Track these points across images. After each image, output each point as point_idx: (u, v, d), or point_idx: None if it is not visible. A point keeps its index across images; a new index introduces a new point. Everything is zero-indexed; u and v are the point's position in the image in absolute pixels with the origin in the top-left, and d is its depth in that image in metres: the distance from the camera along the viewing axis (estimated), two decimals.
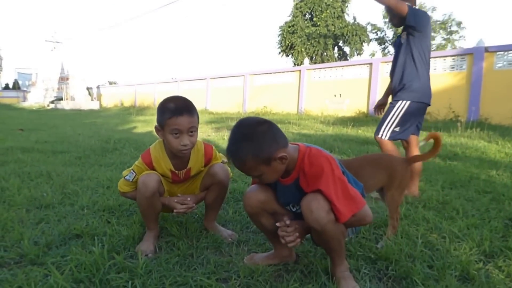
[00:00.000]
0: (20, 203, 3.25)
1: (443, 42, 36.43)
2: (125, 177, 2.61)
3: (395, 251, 2.31)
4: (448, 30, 35.81)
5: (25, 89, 50.16)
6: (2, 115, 17.52)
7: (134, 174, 2.55)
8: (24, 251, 2.29)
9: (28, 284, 1.88)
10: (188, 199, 2.58)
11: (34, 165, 5.00)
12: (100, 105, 35.47)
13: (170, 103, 2.37)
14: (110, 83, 38.48)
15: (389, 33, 36.79)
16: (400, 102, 3.84)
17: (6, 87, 54.87)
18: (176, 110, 2.33)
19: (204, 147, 2.66)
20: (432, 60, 13.07)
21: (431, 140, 2.70)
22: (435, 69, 13.42)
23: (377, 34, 37.83)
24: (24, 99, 44.54)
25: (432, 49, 33.73)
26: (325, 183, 1.87)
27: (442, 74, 13.33)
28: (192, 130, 2.38)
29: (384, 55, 35.50)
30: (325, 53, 35.06)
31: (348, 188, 1.92)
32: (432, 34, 34.14)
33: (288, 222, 2.01)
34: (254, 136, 1.86)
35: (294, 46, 35.11)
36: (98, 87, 40.40)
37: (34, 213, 3.04)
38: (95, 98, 38.24)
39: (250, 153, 1.85)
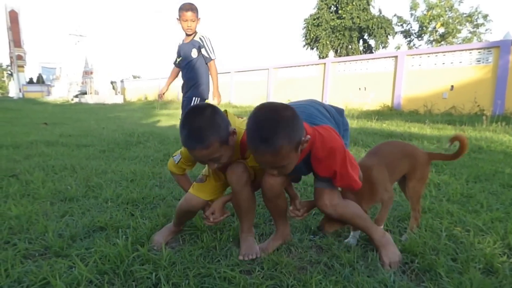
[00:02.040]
0: (45, 196, 3.26)
1: (469, 35, 35.73)
2: (173, 157, 2.46)
3: (419, 244, 2.29)
4: (475, 23, 35.07)
5: (49, 83, 50.73)
6: (26, 109, 17.78)
7: (180, 157, 2.41)
8: (49, 243, 2.29)
9: (53, 276, 1.88)
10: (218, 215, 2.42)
11: (58, 158, 5.04)
12: (124, 99, 35.74)
13: (183, 130, 1.98)
14: (134, 77, 38.75)
15: (415, 26, 36.26)
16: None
17: (30, 82, 55.57)
18: (186, 143, 1.98)
19: (242, 137, 2.21)
20: (458, 53, 13.26)
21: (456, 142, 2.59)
22: (460, 62, 13.26)
23: (402, 27, 37.24)
24: (48, 93, 45.10)
25: (458, 42, 33.34)
26: (340, 163, 1.97)
27: (468, 68, 13.11)
28: (213, 160, 2.05)
29: (410, 48, 34.97)
30: (350, 46, 34.82)
31: (352, 157, 2.05)
32: (458, 27, 33.63)
33: (299, 206, 2.30)
34: (288, 122, 1.77)
35: (319, 39, 34.94)
36: (122, 81, 40.75)
37: (58, 206, 3.05)
38: (119, 92, 38.54)
39: (287, 140, 1.75)
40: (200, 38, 4.93)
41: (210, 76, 5.15)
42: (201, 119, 1.93)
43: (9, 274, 1.91)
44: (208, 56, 5.01)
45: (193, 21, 4.78)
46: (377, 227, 2.28)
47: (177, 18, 4.84)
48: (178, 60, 5.18)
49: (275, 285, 1.91)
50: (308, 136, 1.86)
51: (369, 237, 2.28)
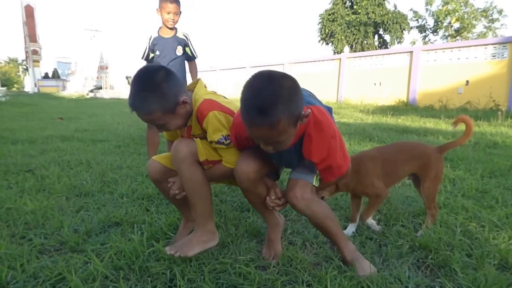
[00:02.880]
0: (60, 191, 3.27)
1: (484, 30, 35.39)
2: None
3: (434, 239, 2.28)
4: (490, 18, 34.73)
5: (64, 78, 51.06)
6: (42, 104, 17.89)
7: None
8: (64, 239, 2.30)
9: (68, 271, 1.88)
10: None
11: (73, 153, 5.06)
12: None
13: (131, 89, 1.91)
14: None
15: (430, 21, 36.00)
16: None
17: (46, 76, 55.93)
18: (131, 104, 1.88)
19: (199, 105, 2.01)
20: (473, 49, 13.16)
21: (461, 125, 2.63)
22: (476, 57, 13.09)
23: (418, 22, 37.01)
24: (64, 88, 45.35)
25: (473, 37, 33.05)
26: (332, 147, 1.85)
27: (483, 63, 12.92)
28: (158, 126, 2.01)
29: (425, 43, 34.70)
30: (365, 41, 34.72)
31: (344, 145, 1.95)
32: (473, 22, 33.30)
33: (279, 194, 2.09)
34: (288, 93, 1.57)
35: (334, 34, 34.90)
36: None
37: (74, 201, 3.06)
38: None
39: (286, 112, 1.56)
40: (184, 35, 4.67)
41: (191, 74, 4.91)
42: (146, 85, 1.86)
43: (25, 269, 1.92)
44: (192, 55, 4.72)
45: (176, 14, 4.45)
46: (348, 241, 2.11)
47: (157, 9, 4.46)
48: (153, 55, 4.63)
49: (290, 281, 1.91)
50: (309, 110, 1.67)
51: (340, 251, 2.09)
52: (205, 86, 2.17)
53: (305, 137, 1.83)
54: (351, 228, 2.53)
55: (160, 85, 1.86)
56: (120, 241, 2.21)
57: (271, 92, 1.55)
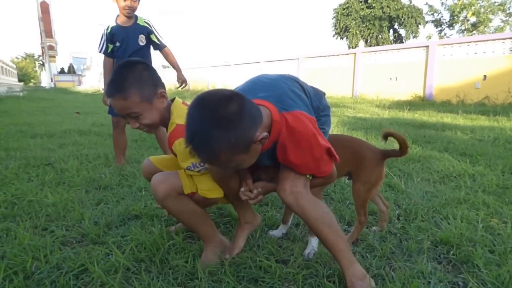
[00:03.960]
0: (79, 184, 3.32)
1: (502, 24, 34.90)
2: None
3: (455, 235, 2.25)
4: (507, 11, 34.24)
5: (80, 73, 51.63)
6: (58, 99, 18.13)
7: None
8: (85, 231, 2.32)
9: (90, 262, 1.90)
10: None
11: (91, 147, 5.12)
12: None
13: (110, 77, 1.90)
14: (164, 67, 38.99)
15: (446, 15, 35.62)
16: None
17: (62, 72, 56.61)
18: (107, 90, 1.89)
19: (172, 130, 1.93)
20: (490, 43, 13.01)
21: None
22: (493, 51, 12.88)
23: (433, 16, 36.57)
24: (79, 83, 45.92)
25: (490, 32, 32.55)
26: (309, 155, 1.68)
27: (502, 57, 12.69)
28: (132, 116, 1.91)
29: (441, 37, 34.31)
30: (380, 36, 34.51)
31: (323, 146, 1.70)
32: (490, 16, 32.78)
33: (251, 186, 1.91)
34: (228, 121, 1.42)
35: (349, 29, 34.77)
36: None
37: (93, 194, 3.09)
38: None
39: (226, 143, 1.42)
40: (146, 23, 4.15)
41: (170, 63, 4.42)
42: (126, 71, 1.84)
43: (48, 260, 1.94)
44: (160, 43, 4.22)
45: (134, 1, 3.93)
46: (354, 262, 1.79)
47: None
48: (112, 47, 4.12)
49: (311, 275, 1.90)
50: (265, 134, 1.51)
51: (341, 268, 1.80)
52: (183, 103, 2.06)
53: (278, 146, 1.71)
54: (281, 230, 2.41)
55: (140, 72, 1.85)
56: (140, 234, 2.23)
57: (205, 122, 1.42)
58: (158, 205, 2.46)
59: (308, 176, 1.83)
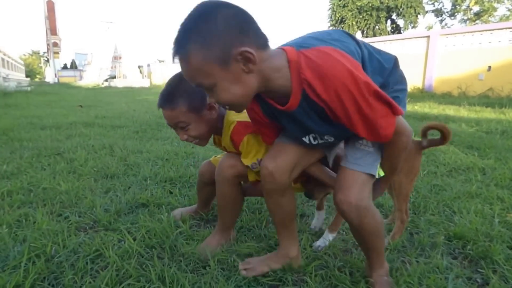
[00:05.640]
0: (88, 173, 3.42)
1: (508, 13, 34.60)
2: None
3: (470, 230, 2.23)
4: None
5: (81, 68, 51.81)
6: (62, 93, 18.26)
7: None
8: (97, 217, 2.42)
9: (106, 248, 1.98)
10: None
11: (96, 138, 5.24)
12: (150, 82, 36.20)
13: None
14: (160, 61, 39.08)
15: (447, 4, 35.39)
16: None
17: (65, 67, 56.89)
18: (159, 101, 1.92)
19: (232, 130, 1.93)
20: (496, 32, 12.80)
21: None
22: (499, 41, 12.79)
23: (434, 6, 36.36)
24: (81, 78, 45.99)
25: (496, 21, 32.14)
26: (349, 100, 1.25)
27: (507, 47, 12.60)
28: (179, 126, 1.94)
29: (442, 27, 34.09)
30: (377, 27, 34.07)
31: (380, 91, 1.27)
32: (496, 5, 32.45)
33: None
34: (211, 19, 1.20)
35: (345, 20, 34.22)
36: (148, 65, 41.36)
37: (102, 183, 3.19)
38: (145, 76, 39.06)
39: (198, 38, 1.21)
40: None
41: None
42: (176, 83, 1.88)
43: (66, 244, 2.03)
44: None
45: None
46: (384, 263, 1.73)
47: None
48: None
49: (321, 266, 1.91)
50: (248, 49, 1.22)
51: (369, 268, 1.73)
52: None
53: (308, 91, 1.31)
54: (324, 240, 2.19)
55: (188, 83, 1.83)
56: (149, 221, 2.31)
57: (189, 20, 1.23)
58: (205, 177, 2.36)
59: (377, 173, 1.56)
